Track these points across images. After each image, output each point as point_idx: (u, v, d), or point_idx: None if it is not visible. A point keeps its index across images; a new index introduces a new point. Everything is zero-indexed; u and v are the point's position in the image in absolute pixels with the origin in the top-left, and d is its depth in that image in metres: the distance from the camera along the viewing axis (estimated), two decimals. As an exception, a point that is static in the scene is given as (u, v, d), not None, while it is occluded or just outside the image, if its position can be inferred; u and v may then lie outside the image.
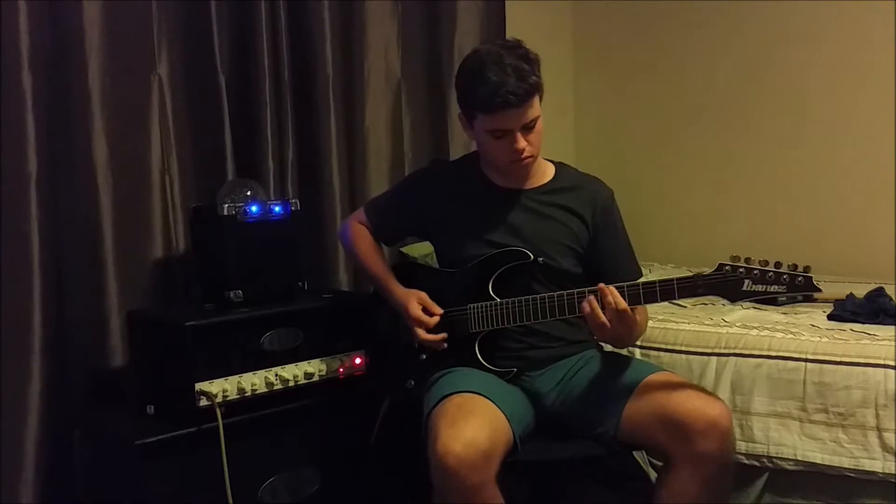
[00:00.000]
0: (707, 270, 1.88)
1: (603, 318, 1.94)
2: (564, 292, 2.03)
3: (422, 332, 2.14)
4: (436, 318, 2.15)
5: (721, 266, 1.86)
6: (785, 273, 1.80)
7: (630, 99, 3.83)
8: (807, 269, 1.80)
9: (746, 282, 1.83)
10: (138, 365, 2.35)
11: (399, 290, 2.21)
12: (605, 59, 3.89)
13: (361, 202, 2.87)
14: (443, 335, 2.15)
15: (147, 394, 2.28)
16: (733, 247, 1.92)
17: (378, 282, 2.28)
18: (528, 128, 2.06)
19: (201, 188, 2.61)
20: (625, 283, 1.97)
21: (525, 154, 2.08)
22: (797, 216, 3.40)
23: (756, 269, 1.82)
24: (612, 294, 1.93)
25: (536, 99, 2.05)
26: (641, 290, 1.94)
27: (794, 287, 1.80)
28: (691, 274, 1.91)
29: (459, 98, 2.14)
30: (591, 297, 1.96)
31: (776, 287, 1.81)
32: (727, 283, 1.85)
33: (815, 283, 1.80)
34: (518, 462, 1.98)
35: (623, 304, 1.92)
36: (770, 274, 1.81)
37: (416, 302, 2.17)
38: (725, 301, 1.90)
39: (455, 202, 2.23)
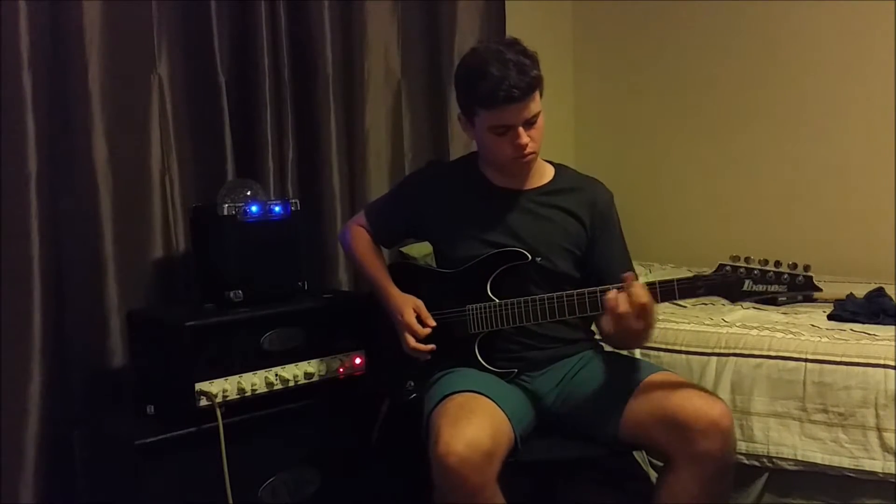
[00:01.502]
0: (707, 271, 1.88)
1: (623, 308, 1.90)
2: (564, 293, 2.02)
3: (411, 340, 2.14)
4: (427, 330, 2.15)
5: (721, 266, 1.85)
6: (785, 273, 1.80)
7: (630, 99, 3.83)
8: (807, 268, 1.80)
9: (747, 282, 1.83)
10: (138, 365, 2.35)
11: (396, 295, 2.21)
12: (605, 58, 3.89)
13: (361, 202, 2.87)
14: (430, 347, 2.14)
15: (147, 394, 2.28)
16: (733, 247, 1.92)
17: (376, 285, 2.28)
18: (530, 123, 2.06)
19: (201, 188, 2.61)
20: (611, 287, 1.96)
21: (528, 150, 2.08)
22: (797, 216, 3.40)
23: (756, 269, 1.82)
24: (637, 287, 1.90)
25: (538, 94, 2.05)
26: (602, 297, 1.94)
27: (795, 286, 1.80)
28: (691, 274, 1.91)
29: (459, 97, 2.14)
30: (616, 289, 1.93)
31: (776, 287, 1.81)
32: (727, 284, 1.85)
33: (815, 282, 1.80)
34: (518, 462, 1.98)
35: (644, 298, 1.89)
36: (770, 274, 1.81)
37: (411, 309, 2.16)
38: (725, 301, 1.89)
39: (453, 203, 2.23)
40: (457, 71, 2.15)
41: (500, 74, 1.99)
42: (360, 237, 2.36)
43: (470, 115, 2.11)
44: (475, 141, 2.21)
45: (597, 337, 2.38)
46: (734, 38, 3.51)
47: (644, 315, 1.90)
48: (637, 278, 2.14)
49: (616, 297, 1.91)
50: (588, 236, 2.19)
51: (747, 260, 1.84)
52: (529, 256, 2.11)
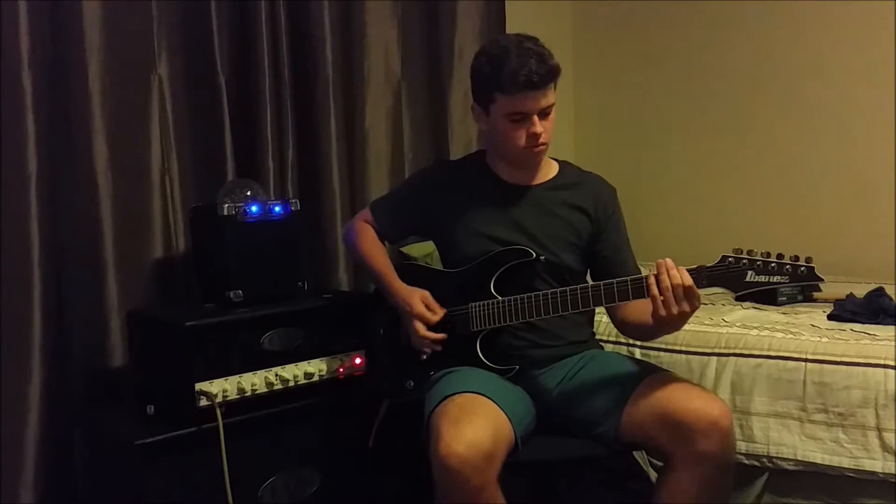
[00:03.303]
0: (710, 264, 1.89)
1: (663, 297, 1.89)
2: (567, 288, 2.03)
3: (421, 328, 2.14)
4: (437, 317, 2.15)
5: (724, 258, 1.87)
6: (787, 263, 1.82)
7: (630, 99, 3.83)
8: (808, 259, 1.81)
9: (749, 273, 1.84)
10: (138, 365, 2.35)
11: (402, 289, 2.21)
12: (605, 59, 3.90)
13: (361, 202, 2.87)
14: (441, 335, 2.15)
15: (147, 394, 2.28)
16: (733, 246, 1.92)
17: (381, 280, 2.27)
18: (544, 114, 2.09)
19: (201, 188, 2.61)
20: (615, 280, 1.97)
21: (541, 140, 2.10)
22: (797, 216, 3.40)
23: (759, 259, 1.84)
24: (679, 272, 1.88)
25: (554, 85, 2.09)
26: (646, 283, 1.94)
27: (797, 277, 1.82)
28: (695, 267, 1.91)
29: (477, 84, 2.15)
30: (651, 277, 1.91)
31: (779, 277, 1.82)
32: (731, 274, 1.86)
33: (817, 273, 1.81)
34: (518, 462, 1.98)
35: (688, 279, 1.88)
36: (773, 264, 1.83)
37: (419, 299, 2.16)
38: (726, 300, 1.90)
39: (462, 199, 2.24)
40: (476, 60, 2.16)
41: (521, 61, 2.03)
42: (365, 233, 2.35)
43: (486, 103, 2.12)
44: (487, 131, 2.20)
45: (598, 336, 2.38)
46: (735, 37, 3.51)
47: (691, 294, 1.88)
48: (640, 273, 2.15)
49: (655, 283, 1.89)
50: (594, 229, 2.20)
51: (749, 252, 1.85)
52: (534, 254, 2.12)
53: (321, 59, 2.82)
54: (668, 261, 1.90)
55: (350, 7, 2.92)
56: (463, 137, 3.19)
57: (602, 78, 3.91)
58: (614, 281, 1.98)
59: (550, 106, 2.10)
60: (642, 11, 3.74)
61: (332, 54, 2.84)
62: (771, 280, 1.83)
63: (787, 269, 1.82)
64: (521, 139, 2.10)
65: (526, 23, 3.40)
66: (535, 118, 2.08)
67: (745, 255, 1.85)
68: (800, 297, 2.73)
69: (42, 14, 2.29)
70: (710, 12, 3.55)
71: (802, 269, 1.81)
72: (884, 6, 3.14)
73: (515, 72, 2.02)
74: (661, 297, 1.89)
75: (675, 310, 1.89)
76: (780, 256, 1.83)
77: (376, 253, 2.32)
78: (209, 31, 2.61)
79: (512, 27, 3.36)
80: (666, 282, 1.88)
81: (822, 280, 1.83)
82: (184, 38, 2.58)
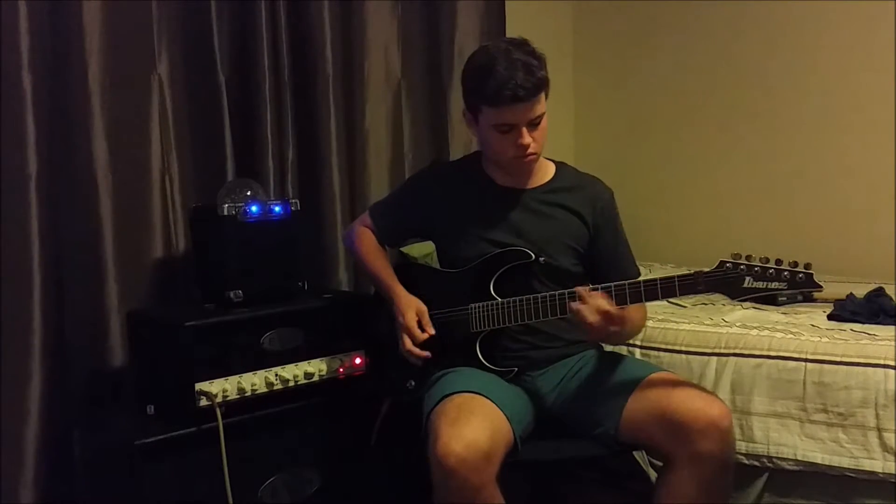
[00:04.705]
0: (707, 270, 1.89)
1: (589, 319, 1.93)
2: (566, 291, 2.03)
3: (407, 342, 2.13)
4: (425, 335, 2.14)
5: (722, 263, 1.87)
6: (785, 270, 1.81)
7: (630, 99, 3.83)
8: (807, 265, 1.81)
9: (747, 279, 1.84)
10: (138, 365, 2.35)
11: (402, 295, 2.20)
12: (605, 59, 3.90)
13: (361, 202, 2.87)
14: (426, 353, 2.13)
15: (147, 394, 2.28)
16: (733, 247, 1.92)
17: (380, 283, 2.28)
18: (533, 124, 2.07)
19: (201, 188, 2.61)
20: (613, 284, 1.98)
21: (530, 150, 2.09)
22: (797, 216, 3.40)
23: (757, 266, 1.83)
24: (592, 297, 1.93)
25: (543, 95, 2.06)
26: (643, 288, 1.94)
27: (795, 283, 1.81)
28: (692, 272, 1.92)
29: (466, 93, 2.14)
30: (576, 301, 1.96)
31: (777, 284, 1.82)
32: (728, 280, 1.85)
33: (815, 280, 1.80)
34: (518, 462, 1.98)
35: (605, 306, 1.92)
36: (771, 271, 1.82)
37: (413, 312, 2.15)
38: (726, 300, 1.90)
39: (457, 202, 2.24)
40: (465, 67, 2.16)
41: (507, 73, 2.00)
42: (364, 237, 2.36)
43: (475, 112, 2.12)
44: (478, 138, 2.21)
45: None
46: (734, 37, 3.51)
47: (611, 319, 1.93)
48: (640, 276, 2.15)
49: (580, 309, 1.94)
50: (590, 234, 2.20)
51: (748, 257, 1.85)
52: (533, 256, 2.12)
53: (321, 59, 2.82)
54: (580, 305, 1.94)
55: (350, 7, 2.92)
56: (463, 137, 3.19)
57: (602, 77, 3.91)
58: (612, 285, 1.98)
59: (540, 116, 2.07)
60: (642, 11, 3.73)
61: (332, 54, 2.83)
62: (769, 286, 1.83)
63: (785, 276, 1.82)
64: (510, 150, 2.09)
65: (526, 23, 3.41)
66: (524, 129, 2.06)
67: (743, 261, 1.85)
68: (800, 298, 2.73)
69: (42, 14, 2.29)
70: (710, 12, 3.55)
71: (801, 275, 1.81)
72: (883, 6, 3.14)
73: (501, 85, 2.00)
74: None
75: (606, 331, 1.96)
76: (778, 262, 1.83)
77: (375, 256, 2.32)
78: (209, 31, 2.61)
79: (512, 27, 3.36)
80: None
81: (821, 287, 1.82)
82: (184, 38, 2.58)
